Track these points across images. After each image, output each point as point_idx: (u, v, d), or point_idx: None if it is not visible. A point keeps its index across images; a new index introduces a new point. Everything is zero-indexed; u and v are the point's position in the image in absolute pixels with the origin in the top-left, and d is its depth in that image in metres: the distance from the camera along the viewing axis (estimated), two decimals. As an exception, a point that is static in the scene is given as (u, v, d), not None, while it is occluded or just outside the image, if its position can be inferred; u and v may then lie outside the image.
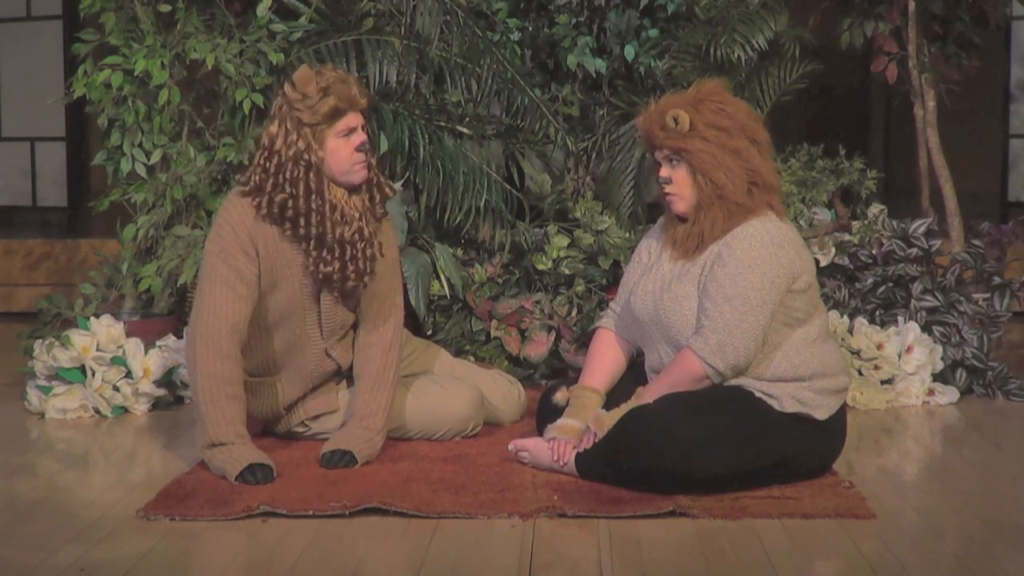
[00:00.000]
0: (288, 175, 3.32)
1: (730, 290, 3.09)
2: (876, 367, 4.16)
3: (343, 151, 3.34)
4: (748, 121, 3.19)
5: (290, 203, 3.32)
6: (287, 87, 3.34)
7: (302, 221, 3.33)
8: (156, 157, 4.45)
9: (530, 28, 4.89)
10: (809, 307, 3.18)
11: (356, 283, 3.40)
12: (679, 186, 3.20)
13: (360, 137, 3.35)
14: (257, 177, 3.35)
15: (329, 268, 3.36)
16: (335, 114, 3.32)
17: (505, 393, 3.82)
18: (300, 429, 3.61)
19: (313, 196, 3.32)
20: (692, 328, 3.14)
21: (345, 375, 3.64)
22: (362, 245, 3.37)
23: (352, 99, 3.33)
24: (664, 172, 3.22)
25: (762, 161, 3.18)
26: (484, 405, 3.70)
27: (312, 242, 3.35)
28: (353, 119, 3.35)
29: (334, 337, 3.54)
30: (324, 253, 3.35)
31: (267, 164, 3.34)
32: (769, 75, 4.83)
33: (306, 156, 3.31)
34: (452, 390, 3.63)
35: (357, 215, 3.37)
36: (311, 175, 3.32)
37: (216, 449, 3.26)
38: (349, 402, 3.56)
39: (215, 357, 3.28)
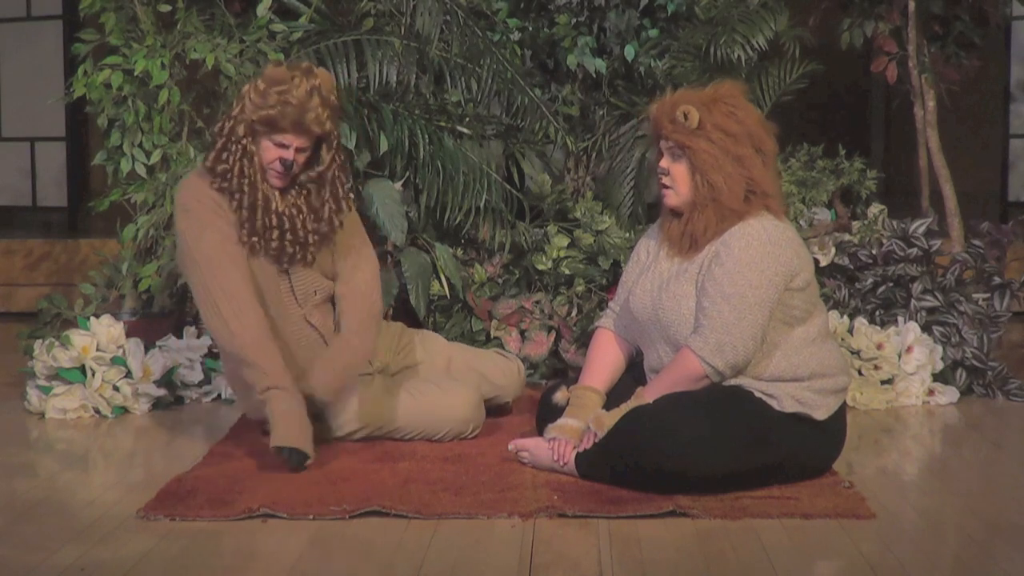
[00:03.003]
0: (231, 150, 3.44)
1: (728, 289, 3.09)
2: (876, 367, 4.16)
3: (268, 153, 3.44)
4: (757, 130, 3.17)
5: (228, 175, 3.44)
6: (262, 77, 3.44)
7: (236, 196, 3.44)
8: (156, 157, 4.44)
9: (530, 28, 4.89)
10: (808, 305, 3.18)
11: (299, 256, 3.49)
12: (675, 180, 3.21)
13: (282, 153, 3.42)
14: (216, 149, 3.47)
15: (261, 248, 3.46)
16: (272, 127, 3.40)
17: (504, 368, 3.85)
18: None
19: (246, 180, 3.44)
20: (690, 327, 3.14)
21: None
22: (291, 238, 3.47)
23: (297, 124, 3.38)
24: (664, 163, 3.23)
25: (763, 171, 3.17)
26: (482, 403, 3.68)
27: (245, 222, 3.45)
28: (290, 139, 3.41)
29: (310, 303, 3.57)
30: (254, 237, 3.45)
31: (222, 135, 3.47)
32: (769, 75, 4.84)
33: (243, 142, 3.43)
34: (451, 391, 3.63)
35: (290, 213, 3.47)
36: (245, 161, 3.44)
37: (274, 393, 3.30)
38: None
39: (244, 308, 3.36)
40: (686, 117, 3.15)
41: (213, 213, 3.43)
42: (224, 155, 3.45)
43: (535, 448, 3.30)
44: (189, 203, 3.45)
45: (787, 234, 3.17)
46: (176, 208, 3.50)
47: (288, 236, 3.46)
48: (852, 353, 4.15)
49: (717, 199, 3.15)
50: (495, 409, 3.84)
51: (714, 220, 3.16)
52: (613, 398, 3.31)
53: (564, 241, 4.51)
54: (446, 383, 3.67)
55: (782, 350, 3.13)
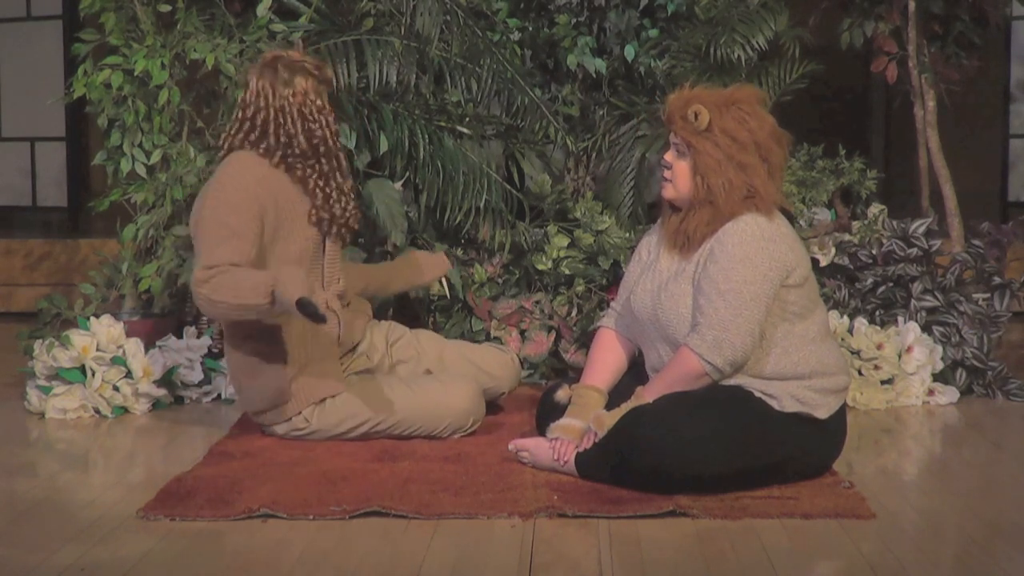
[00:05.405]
0: (320, 121, 3.60)
1: (723, 285, 3.09)
2: (876, 367, 4.16)
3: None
4: (766, 140, 3.16)
5: (323, 143, 3.59)
6: (325, 70, 3.65)
7: (325, 162, 3.59)
8: (156, 157, 4.45)
9: (530, 28, 4.89)
10: (806, 302, 3.18)
11: (349, 228, 3.67)
12: (676, 176, 3.22)
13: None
14: (298, 122, 3.58)
15: (326, 214, 3.57)
16: (327, 100, 3.67)
17: (500, 360, 3.88)
18: (303, 426, 3.60)
19: (335, 146, 3.63)
20: (688, 326, 3.14)
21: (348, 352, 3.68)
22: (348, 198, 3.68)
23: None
24: (668, 156, 3.23)
25: (766, 182, 3.16)
26: (482, 397, 3.69)
27: (331, 191, 3.60)
28: None
29: (332, 288, 3.60)
30: (327, 213, 3.58)
31: (296, 115, 3.58)
32: (769, 75, 4.83)
33: (332, 115, 3.64)
34: (450, 385, 3.63)
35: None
36: (336, 127, 3.64)
37: (279, 283, 3.34)
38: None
39: (213, 274, 3.33)
40: (696, 117, 3.15)
41: (244, 207, 3.42)
42: (312, 128, 3.57)
43: (535, 448, 3.30)
44: (228, 186, 3.44)
45: (782, 230, 3.16)
46: (214, 183, 3.47)
47: (345, 193, 3.64)
48: (852, 353, 4.15)
49: (714, 202, 3.16)
50: (490, 404, 3.85)
51: (706, 220, 3.17)
52: (614, 398, 3.31)
53: (564, 241, 4.51)
54: (445, 377, 3.67)
55: (781, 347, 3.13)
